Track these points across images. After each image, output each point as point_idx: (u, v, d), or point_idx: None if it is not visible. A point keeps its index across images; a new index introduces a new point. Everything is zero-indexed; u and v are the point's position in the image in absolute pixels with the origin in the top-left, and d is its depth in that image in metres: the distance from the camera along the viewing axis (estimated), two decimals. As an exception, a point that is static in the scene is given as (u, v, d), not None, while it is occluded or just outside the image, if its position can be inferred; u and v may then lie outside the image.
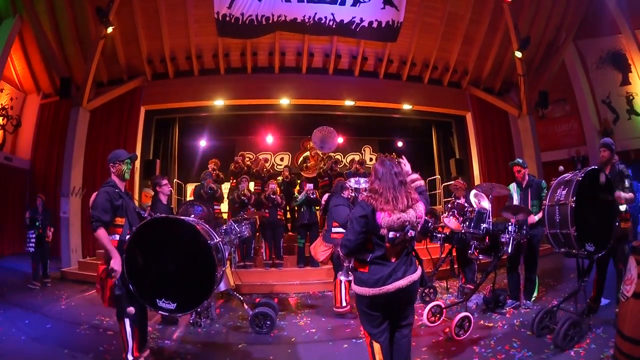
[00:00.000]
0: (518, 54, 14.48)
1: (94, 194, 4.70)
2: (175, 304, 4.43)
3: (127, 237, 4.51)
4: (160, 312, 4.57)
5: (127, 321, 4.56)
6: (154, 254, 4.46)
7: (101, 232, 4.43)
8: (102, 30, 12.43)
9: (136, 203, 5.31)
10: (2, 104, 15.98)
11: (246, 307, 6.56)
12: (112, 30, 12.39)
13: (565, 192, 5.20)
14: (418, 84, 16.44)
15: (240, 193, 11.11)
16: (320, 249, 7.39)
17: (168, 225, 4.61)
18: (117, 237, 4.56)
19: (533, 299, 7.36)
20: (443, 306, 6.57)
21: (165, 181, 7.27)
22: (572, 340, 5.09)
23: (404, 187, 3.66)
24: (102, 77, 14.83)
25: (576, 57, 17.38)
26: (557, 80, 16.96)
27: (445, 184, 16.17)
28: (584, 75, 17.45)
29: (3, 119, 16.09)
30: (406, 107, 16.37)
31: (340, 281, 7.28)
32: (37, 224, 10.81)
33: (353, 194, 7.35)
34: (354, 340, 6.01)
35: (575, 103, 17.60)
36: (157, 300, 4.44)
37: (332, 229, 7.31)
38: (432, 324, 6.35)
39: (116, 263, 4.36)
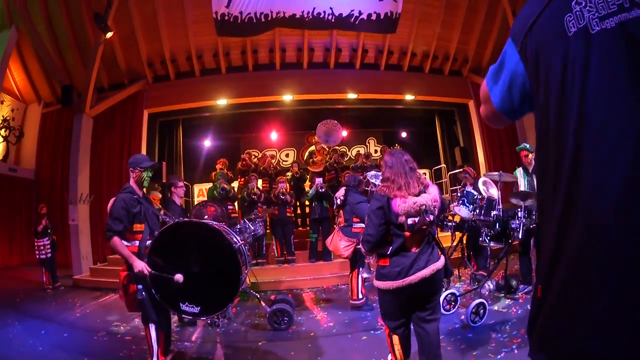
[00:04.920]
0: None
1: (112, 200, 4.71)
2: (199, 308, 4.47)
3: (148, 242, 4.53)
4: (184, 315, 4.60)
5: (152, 326, 4.59)
6: (177, 257, 4.49)
7: (115, 241, 4.43)
8: (100, 35, 12.41)
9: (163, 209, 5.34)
10: (3, 116, 16.02)
11: (263, 304, 6.58)
12: (111, 35, 12.37)
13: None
14: (419, 74, 16.43)
15: (250, 191, 11.14)
16: (342, 244, 7.37)
17: (191, 228, 4.65)
18: (137, 243, 4.57)
19: (544, 283, 7.38)
20: (457, 294, 6.62)
21: (181, 183, 7.32)
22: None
23: (414, 172, 3.77)
24: (103, 82, 14.88)
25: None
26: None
27: (452, 172, 16.19)
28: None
29: (5, 131, 16.13)
30: (408, 97, 16.40)
31: (358, 273, 7.35)
32: (49, 231, 11.42)
33: (369, 189, 7.43)
34: (372, 331, 6.08)
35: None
36: (181, 304, 4.47)
37: (354, 223, 7.36)
38: (447, 312, 6.38)
39: (139, 265, 4.35)
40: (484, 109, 1.68)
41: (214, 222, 4.94)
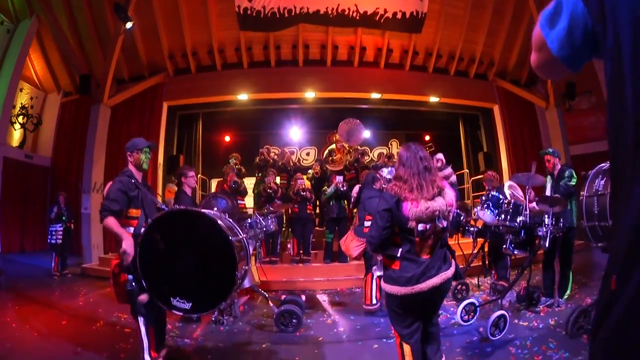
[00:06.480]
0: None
1: (109, 183, 4.54)
2: (191, 304, 4.19)
3: (143, 229, 4.31)
4: (173, 311, 4.34)
5: (141, 319, 4.40)
6: (170, 248, 4.22)
7: (109, 220, 4.25)
8: (121, 26, 12.38)
9: (159, 198, 5.10)
10: (22, 103, 16.26)
11: (271, 304, 6.35)
12: (131, 25, 12.28)
13: (604, 182, 4.90)
14: (444, 76, 16.25)
15: (266, 186, 10.90)
16: (352, 244, 7.05)
17: (187, 218, 4.38)
18: (132, 229, 4.38)
19: (566, 296, 7.04)
20: (477, 304, 6.27)
21: (192, 173, 6.98)
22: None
23: (429, 173, 3.41)
24: (123, 73, 15.00)
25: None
26: (582, 72, 16.39)
27: (474, 178, 15.93)
28: (609, 66, 16.95)
29: (23, 118, 16.36)
30: (433, 99, 16.24)
31: (372, 277, 7.02)
32: (64, 217, 11.55)
33: (385, 185, 7.07)
34: (384, 339, 5.72)
35: (601, 95, 17.12)
36: (172, 299, 4.20)
37: (365, 222, 7.00)
38: (466, 323, 6.04)
39: (128, 245, 4.14)
40: (537, 57, 1.41)
41: (213, 213, 4.65)
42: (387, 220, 3.34)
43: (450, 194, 3.43)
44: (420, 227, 3.26)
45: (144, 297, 4.19)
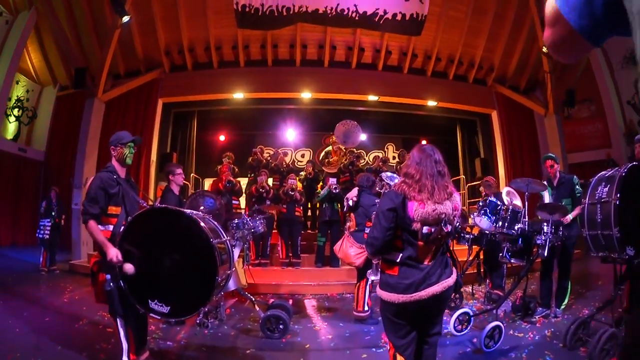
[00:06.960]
0: (545, 50, 13.97)
1: (91, 179, 4.36)
2: (169, 308, 4.00)
3: (122, 228, 4.12)
4: (151, 314, 4.14)
5: (119, 320, 4.22)
6: (149, 249, 4.03)
7: (92, 225, 4.09)
8: (118, 19, 12.29)
9: (150, 202, 4.88)
10: (17, 96, 16.25)
11: (257, 308, 6.15)
12: (128, 19, 12.22)
13: (607, 189, 4.70)
14: (443, 79, 16.20)
15: (258, 186, 10.70)
16: (352, 251, 6.78)
17: (168, 217, 4.18)
18: (111, 227, 4.21)
19: (563, 307, 6.87)
20: (471, 314, 6.08)
21: (179, 170, 6.81)
22: (608, 354, 4.60)
23: (442, 178, 3.24)
24: (119, 68, 14.88)
25: (601, 56, 16.88)
26: (582, 80, 16.57)
27: (470, 184, 15.85)
28: (609, 75, 17.01)
29: (18, 111, 16.34)
30: (431, 103, 16.20)
31: (366, 282, 6.82)
32: (53, 213, 11.52)
33: (382, 190, 6.86)
34: (373, 349, 5.55)
35: (600, 104, 17.16)
36: (150, 301, 4.00)
37: (367, 228, 6.77)
38: (459, 333, 5.86)
39: (111, 253, 3.93)
40: (552, 33, 1.23)
41: (195, 213, 4.44)
42: (391, 221, 3.15)
43: (457, 199, 3.31)
44: (425, 229, 3.09)
45: (129, 268, 3.95)
